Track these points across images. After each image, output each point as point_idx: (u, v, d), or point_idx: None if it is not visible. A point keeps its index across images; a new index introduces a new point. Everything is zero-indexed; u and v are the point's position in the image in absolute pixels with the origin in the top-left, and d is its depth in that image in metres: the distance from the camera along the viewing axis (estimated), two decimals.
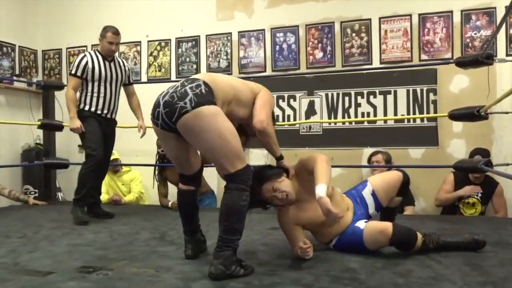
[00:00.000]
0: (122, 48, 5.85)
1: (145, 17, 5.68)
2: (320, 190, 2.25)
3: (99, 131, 3.85)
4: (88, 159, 3.76)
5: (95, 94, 3.85)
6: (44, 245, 2.91)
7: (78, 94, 3.88)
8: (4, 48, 5.78)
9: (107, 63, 3.90)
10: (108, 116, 3.95)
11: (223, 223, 2.14)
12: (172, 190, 4.62)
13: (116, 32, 3.91)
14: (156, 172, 4.56)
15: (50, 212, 4.23)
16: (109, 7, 5.86)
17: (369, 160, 4.57)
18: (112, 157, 4.92)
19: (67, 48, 6.15)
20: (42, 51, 6.27)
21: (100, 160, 3.77)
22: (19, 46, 5.99)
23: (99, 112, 3.88)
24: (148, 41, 5.73)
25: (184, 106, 2.11)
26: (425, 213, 4.56)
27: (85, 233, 3.28)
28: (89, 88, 3.85)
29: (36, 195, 5.51)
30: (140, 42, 5.79)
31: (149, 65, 5.77)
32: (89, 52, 3.94)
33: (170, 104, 2.15)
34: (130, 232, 3.30)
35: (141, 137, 4.02)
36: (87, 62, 3.82)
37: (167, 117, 2.17)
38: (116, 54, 4.09)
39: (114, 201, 4.81)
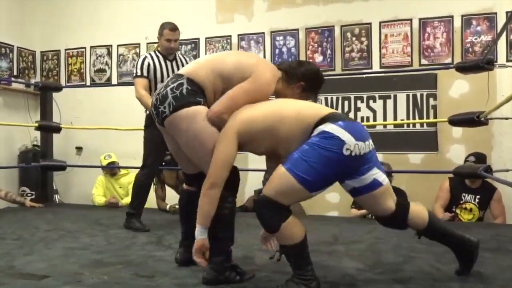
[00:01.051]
0: (121, 49, 5.83)
1: (144, 19, 5.65)
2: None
3: (158, 142, 3.21)
4: (143, 169, 3.61)
5: None
6: (40, 248, 2.88)
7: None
8: (3, 49, 5.75)
9: (168, 63, 3.65)
10: None
11: (209, 233, 2.05)
12: (170, 193, 4.61)
13: (174, 28, 3.63)
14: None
15: (46, 214, 4.20)
16: (108, 9, 5.85)
17: None
18: (109, 160, 4.91)
19: (65, 50, 6.12)
20: (41, 52, 6.24)
21: (153, 173, 3.72)
22: (18, 47, 5.96)
23: None
24: (148, 43, 5.70)
25: (164, 111, 2.11)
26: None
27: (82, 236, 3.25)
28: (153, 91, 3.56)
29: (33, 197, 5.48)
30: (139, 44, 5.76)
31: None
32: (149, 53, 3.73)
33: (156, 106, 2.15)
34: (127, 236, 3.27)
35: None
36: (149, 63, 3.60)
37: (156, 118, 2.18)
38: (178, 52, 3.82)
39: (111, 204, 4.78)
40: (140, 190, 3.60)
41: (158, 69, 3.60)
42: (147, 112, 3.57)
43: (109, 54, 5.90)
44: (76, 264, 2.48)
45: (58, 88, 5.05)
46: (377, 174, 2.03)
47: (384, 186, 2.05)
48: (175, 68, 3.64)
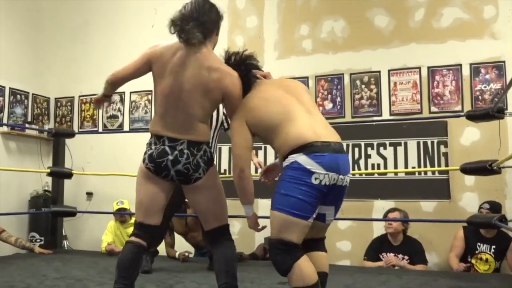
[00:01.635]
0: (133, 96, 5.93)
1: None
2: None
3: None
4: None
5: None
6: None
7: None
8: (18, 96, 5.88)
9: None
10: None
11: (230, 269, 2.29)
12: (179, 241, 4.57)
13: None
14: None
15: (54, 262, 4.16)
16: (121, 58, 5.95)
17: (385, 217, 4.44)
18: (121, 206, 4.90)
19: (79, 96, 6.24)
20: (55, 98, 6.37)
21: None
22: (33, 94, 6.10)
23: None
24: None
25: (199, 176, 2.33)
26: (438, 268, 4.43)
27: (90, 285, 3.21)
28: None
29: (42, 242, 5.46)
30: (151, 91, 5.85)
31: None
32: None
33: (185, 174, 2.31)
34: (136, 284, 3.21)
35: None
36: None
37: (179, 181, 2.34)
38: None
39: (109, 251, 4.68)
40: None
41: None
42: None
43: (122, 100, 6.00)
44: None
45: (71, 134, 5.11)
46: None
47: (324, 224, 2.23)
48: None
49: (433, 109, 4.73)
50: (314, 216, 2.11)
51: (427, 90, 4.77)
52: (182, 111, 2.29)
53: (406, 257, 4.21)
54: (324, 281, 2.22)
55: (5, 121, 5.72)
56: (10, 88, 5.79)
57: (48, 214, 5.06)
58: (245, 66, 2.37)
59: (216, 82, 2.27)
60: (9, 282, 3.25)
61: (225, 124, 3.74)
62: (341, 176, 2.09)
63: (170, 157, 2.28)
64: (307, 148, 2.06)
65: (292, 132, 2.11)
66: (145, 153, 2.35)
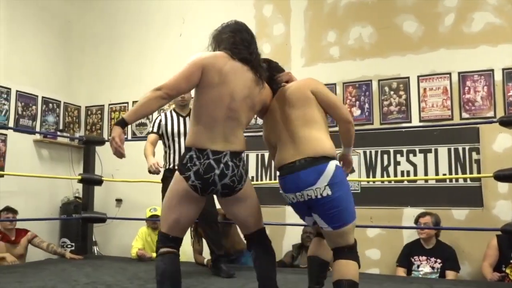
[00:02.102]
0: None
1: None
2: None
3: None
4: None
5: (177, 151, 3.85)
6: None
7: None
8: (50, 104, 6.02)
9: (181, 119, 3.91)
10: None
11: (276, 274, 2.43)
12: (207, 247, 4.57)
13: None
14: (191, 228, 4.52)
15: (85, 267, 4.22)
16: (149, 67, 6.07)
17: (416, 221, 4.37)
18: (154, 213, 4.94)
19: (109, 105, 6.36)
20: (85, 107, 6.50)
21: None
22: (64, 102, 6.24)
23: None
24: (192, 98, 5.83)
25: (241, 187, 2.35)
26: (471, 278, 4.33)
27: None
28: (171, 146, 3.89)
29: (73, 248, 5.55)
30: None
31: None
32: (164, 112, 4.02)
33: (231, 187, 2.31)
34: None
35: None
36: (160, 120, 3.93)
37: (222, 194, 2.34)
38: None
39: (139, 257, 4.74)
40: None
41: (169, 124, 3.89)
42: (167, 167, 3.88)
43: None
44: None
45: (101, 142, 5.19)
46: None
47: (326, 230, 2.32)
48: (187, 123, 3.78)
49: (465, 115, 4.64)
50: (311, 223, 2.43)
51: (457, 96, 4.68)
52: (232, 120, 2.29)
53: (439, 261, 4.13)
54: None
55: (37, 129, 5.87)
56: (42, 97, 5.94)
57: (78, 220, 5.15)
58: (269, 70, 2.50)
59: (261, 95, 2.39)
60: (41, 287, 3.30)
61: None
62: (297, 193, 2.28)
63: (217, 171, 2.24)
64: (281, 170, 2.39)
65: (276, 157, 2.44)
66: (185, 170, 2.25)
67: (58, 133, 5.96)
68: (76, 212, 5.49)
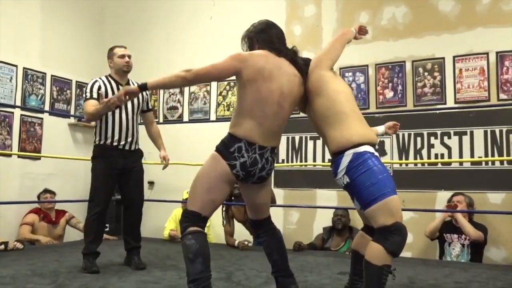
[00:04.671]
0: (192, 88, 6.03)
1: (214, 58, 5.82)
2: None
3: (108, 178, 3.46)
4: (89, 209, 3.49)
5: (110, 124, 3.41)
6: (114, 281, 2.96)
7: (94, 127, 3.58)
8: (84, 89, 6.12)
9: (121, 88, 3.35)
10: (127, 147, 3.48)
11: (287, 254, 2.55)
12: (238, 229, 4.62)
13: (124, 46, 3.62)
14: (223, 209, 4.57)
15: (119, 248, 4.31)
16: (177, 49, 6.08)
17: (449, 200, 4.31)
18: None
19: None
20: None
21: (101, 211, 3.44)
22: None
23: (115, 144, 3.42)
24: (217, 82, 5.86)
25: (269, 177, 2.49)
26: (507, 263, 4.23)
27: (154, 270, 3.31)
28: (103, 118, 3.40)
29: (107, 229, 5.66)
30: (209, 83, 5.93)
31: (218, 105, 5.89)
32: (100, 78, 3.53)
33: (264, 178, 2.43)
34: None
35: (163, 169, 3.79)
36: (99, 86, 3.43)
37: (253, 182, 2.42)
38: (131, 78, 3.64)
39: (171, 237, 4.84)
40: (88, 230, 3.44)
41: (110, 93, 3.41)
42: (97, 142, 3.47)
43: (181, 92, 6.12)
44: None
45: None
46: None
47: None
48: None
49: (502, 96, 4.49)
50: (358, 207, 2.36)
51: (495, 76, 4.54)
52: (279, 117, 2.35)
53: (469, 238, 4.07)
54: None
55: (72, 113, 6.00)
56: (76, 81, 6.06)
57: (113, 202, 5.25)
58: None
59: (301, 88, 2.43)
60: (77, 266, 3.40)
61: (149, 105, 3.80)
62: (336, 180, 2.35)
63: (259, 165, 2.34)
64: None
65: None
66: (232, 158, 2.28)
67: None
68: None
